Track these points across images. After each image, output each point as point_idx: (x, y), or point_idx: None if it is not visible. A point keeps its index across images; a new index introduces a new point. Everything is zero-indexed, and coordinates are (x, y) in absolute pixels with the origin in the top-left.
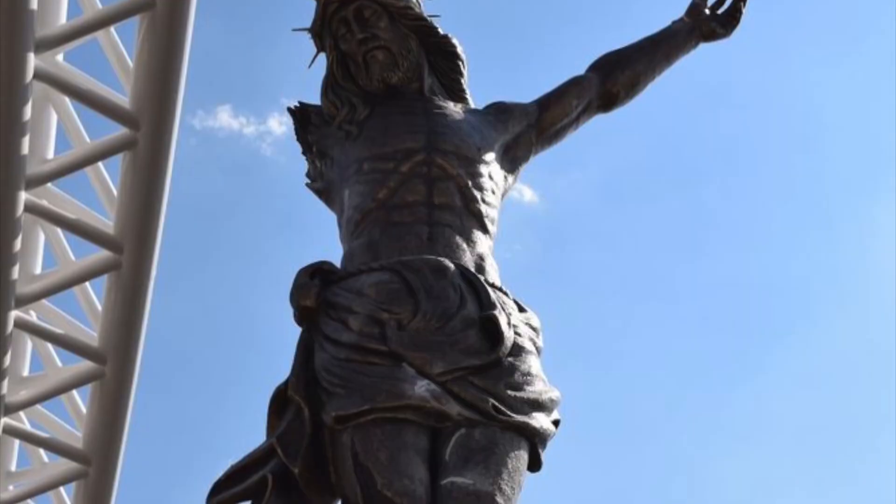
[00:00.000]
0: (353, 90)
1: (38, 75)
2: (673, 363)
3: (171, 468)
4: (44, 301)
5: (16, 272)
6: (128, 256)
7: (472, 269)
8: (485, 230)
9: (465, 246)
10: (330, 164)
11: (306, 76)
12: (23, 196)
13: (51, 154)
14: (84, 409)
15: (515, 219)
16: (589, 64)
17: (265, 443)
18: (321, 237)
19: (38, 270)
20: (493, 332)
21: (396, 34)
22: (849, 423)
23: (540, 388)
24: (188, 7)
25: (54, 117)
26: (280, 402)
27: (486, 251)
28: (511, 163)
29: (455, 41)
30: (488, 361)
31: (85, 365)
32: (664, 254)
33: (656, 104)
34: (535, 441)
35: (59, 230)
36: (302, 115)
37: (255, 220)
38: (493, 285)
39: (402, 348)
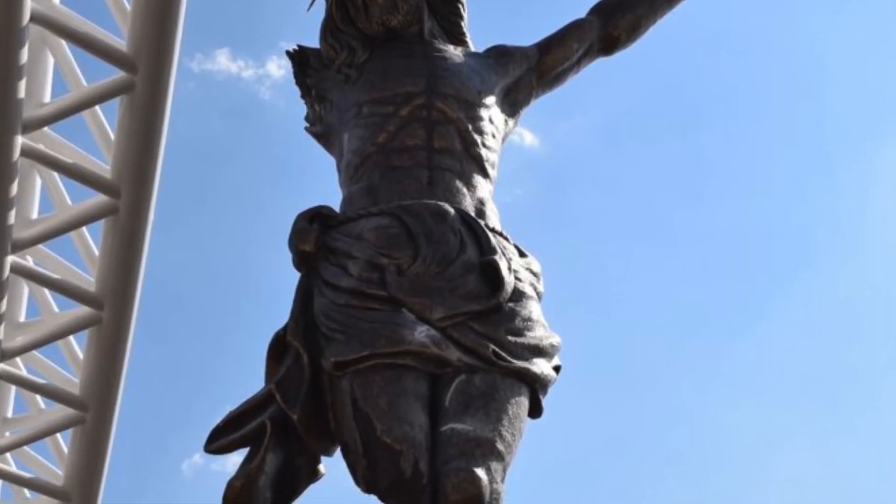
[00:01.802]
0: (352, 33)
1: (35, 18)
2: (673, 309)
3: (169, 414)
4: (40, 246)
5: (12, 217)
6: (125, 201)
7: (473, 214)
8: (485, 174)
9: (465, 190)
10: (329, 107)
11: (305, 19)
12: (19, 140)
13: (47, 98)
14: (81, 355)
15: (516, 163)
16: (590, 7)
17: (264, 389)
18: (320, 181)
19: (34, 215)
20: (493, 277)
21: None
22: (851, 372)
23: (540, 333)
24: None
25: (51, 60)
26: (279, 347)
27: (487, 195)
28: (511, 106)
29: None
30: (488, 307)
31: (82, 310)
32: (665, 198)
33: (658, 48)
34: (535, 387)
35: (55, 175)
36: (301, 59)
37: (253, 165)
38: (493, 230)
39: (402, 293)
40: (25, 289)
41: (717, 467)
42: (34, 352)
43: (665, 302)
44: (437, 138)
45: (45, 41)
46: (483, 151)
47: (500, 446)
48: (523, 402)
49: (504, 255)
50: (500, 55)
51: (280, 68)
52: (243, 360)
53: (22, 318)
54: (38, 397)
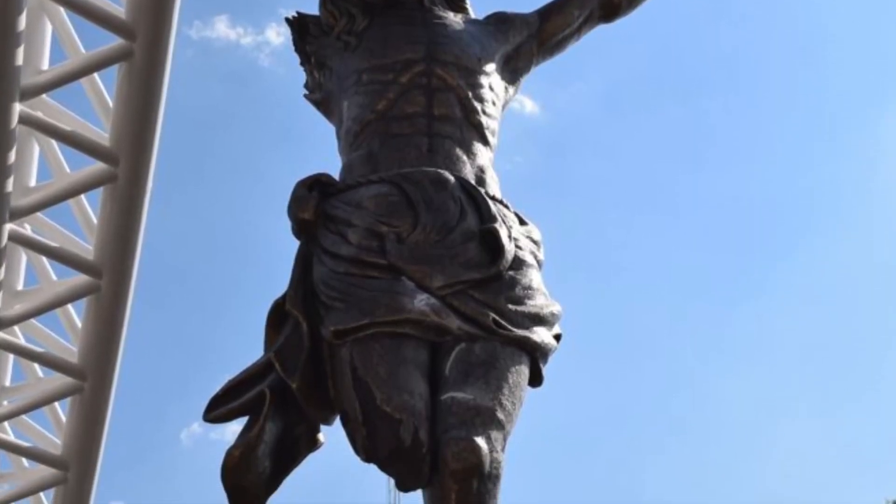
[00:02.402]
0: (351, 0)
1: None
2: (674, 277)
3: (168, 383)
4: (38, 214)
5: (10, 185)
6: (123, 169)
7: (473, 182)
8: (485, 142)
9: (465, 158)
10: (329, 74)
11: None
12: (17, 108)
13: (46, 65)
14: (79, 324)
15: (516, 130)
16: None
17: (263, 357)
18: (319, 149)
19: (32, 183)
20: (493, 245)
21: None
22: (854, 340)
23: (541, 301)
24: None
25: (49, 28)
26: (278, 316)
27: (487, 163)
28: (512, 74)
29: None
30: (489, 275)
31: (80, 279)
32: (666, 166)
33: (659, 15)
34: (536, 355)
35: (53, 142)
36: (300, 26)
37: (252, 132)
38: (493, 198)
39: (402, 262)
40: (23, 257)
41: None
42: (32, 320)
43: (666, 270)
44: (437, 106)
45: (44, 8)
46: (483, 119)
47: (500, 415)
48: (523, 371)
49: (504, 222)
50: (500, 22)
51: (279, 35)
52: (242, 329)
53: (20, 287)
54: (37, 366)
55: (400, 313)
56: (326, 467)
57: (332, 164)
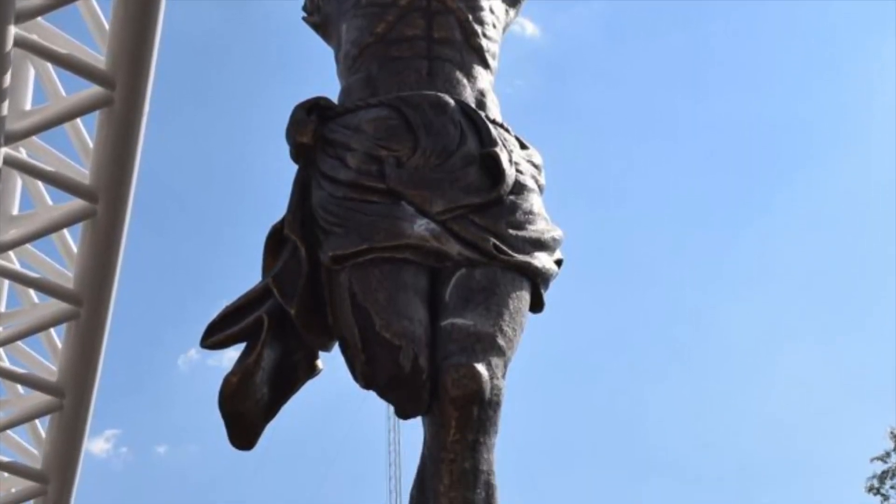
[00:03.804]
0: None
1: None
2: (676, 203)
3: (164, 309)
4: (34, 138)
5: (5, 108)
6: (120, 92)
7: (473, 105)
8: (485, 65)
9: (465, 81)
10: None
11: None
12: (12, 30)
13: None
14: (75, 249)
15: (517, 53)
16: None
17: (261, 283)
18: (318, 72)
19: (28, 106)
20: (493, 169)
21: None
22: (857, 266)
23: (542, 226)
24: None
25: None
26: (276, 241)
27: (487, 86)
28: None
29: None
30: (489, 199)
31: (76, 203)
32: (668, 91)
33: None
34: (537, 281)
35: (49, 65)
36: None
37: (250, 55)
38: (494, 121)
39: (401, 186)
40: (19, 181)
41: (720, 363)
42: (28, 245)
43: (668, 195)
44: (437, 28)
45: None
46: (483, 42)
47: (500, 341)
48: (524, 297)
49: (505, 146)
50: None
51: None
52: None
53: (15, 212)
54: (32, 292)
55: (399, 238)
56: (325, 394)
57: (331, 88)
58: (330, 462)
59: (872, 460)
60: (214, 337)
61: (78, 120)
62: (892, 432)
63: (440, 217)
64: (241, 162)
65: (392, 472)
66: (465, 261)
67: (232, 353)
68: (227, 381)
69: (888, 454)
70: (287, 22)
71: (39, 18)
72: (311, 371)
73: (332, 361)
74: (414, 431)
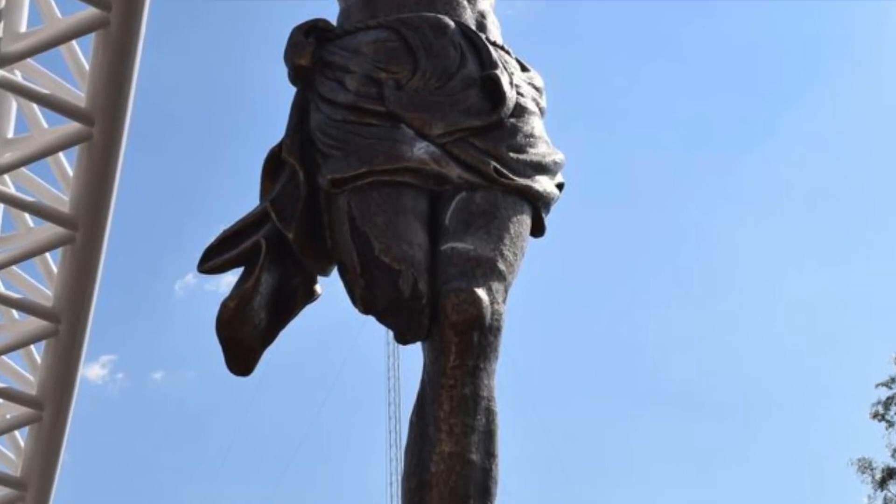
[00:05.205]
0: None
1: None
2: (680, 125)
3: (161, 233)
4: (29, 60)
5: (0, 30)
6: (116, 12)
7: (473, 27)
8: None
9: (465, 2)
10: None
11: None
12: None
13: None
14: (71, 173)
15: None
16: None
17: (258, 207)
18: None
19: (23, 28)
20: (494, 91)
21: None
22: (862, 188)
23: (543, 150)
24: None
25: None
26: (274, 164)
27: (488, 8)
28: None
29: None
30: (490, 122)
31: (72, 126)
32: (671, 10)
33: None
34: (538, 205)
35: None
36: None
37: None
38: (494, 43)
39: (401, 108)
40: (14, 104)
41: (724, 286)
42: (23, 169)
43: (671, 117)
44: None
45: None
46: None
47: (501, 266)
48: (525, 221)
49: (506, 69)
50: None
51: None
52: (237, 177)
53: (10, 135)
54: (27, 216)
55: (399, 161)
56: (324, 319)
57: (330, 10)
58: (329, 388)
59: (877, 386)
60: (212, 261)
61: (73, 42)
62: None
63: (440, 140)
64: (238, 83)
65: (391, 397)
66: (466, 184)
67: (230, 278)
68: (224, 306)
69: (893, 380)
70: None
71: None
72: (310, 296)
73: (330, 286)
74: (414, 357)
